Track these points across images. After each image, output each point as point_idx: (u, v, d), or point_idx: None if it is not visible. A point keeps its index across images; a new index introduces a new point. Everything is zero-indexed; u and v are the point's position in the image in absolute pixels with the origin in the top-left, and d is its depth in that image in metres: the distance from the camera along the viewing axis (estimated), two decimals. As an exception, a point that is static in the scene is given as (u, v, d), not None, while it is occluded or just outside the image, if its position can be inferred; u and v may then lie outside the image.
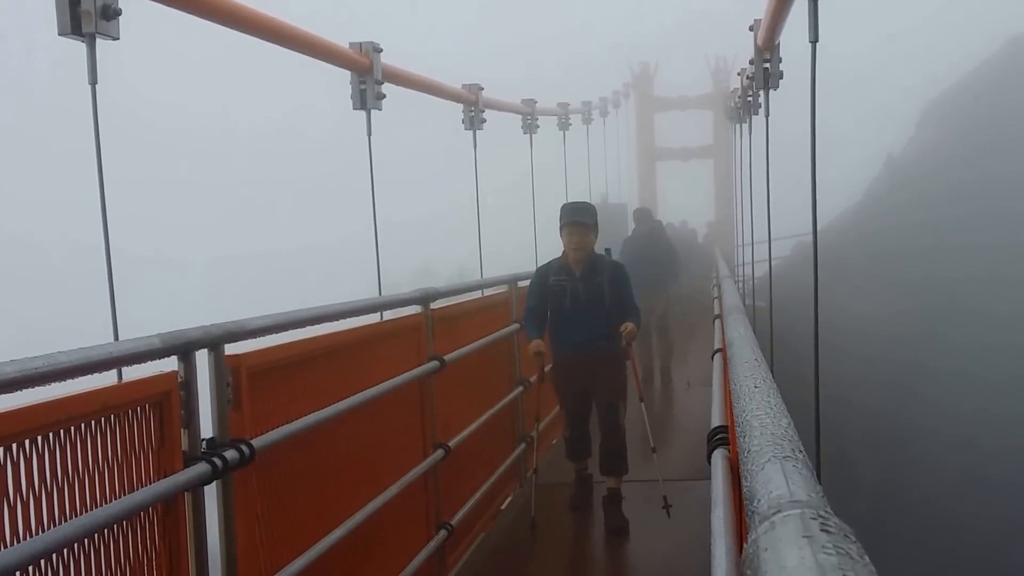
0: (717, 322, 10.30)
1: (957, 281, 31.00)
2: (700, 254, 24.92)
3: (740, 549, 2.96)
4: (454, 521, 7.31)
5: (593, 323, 8.42)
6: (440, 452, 7.08)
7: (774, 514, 1.42)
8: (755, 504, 1.63)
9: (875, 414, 26.40)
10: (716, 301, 11.88)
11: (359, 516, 5.43)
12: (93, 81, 5.44)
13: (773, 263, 12.85)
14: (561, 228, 8.50)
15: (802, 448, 2.06)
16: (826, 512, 1.36)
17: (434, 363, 6.96)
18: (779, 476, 1.71)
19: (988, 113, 37.13)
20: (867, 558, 1.17)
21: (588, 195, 26.54)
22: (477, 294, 9.49)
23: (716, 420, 5.30)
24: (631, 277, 13.67)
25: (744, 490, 1.89)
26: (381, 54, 8.73)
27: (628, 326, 8.26)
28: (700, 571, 6.81)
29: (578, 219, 8.42)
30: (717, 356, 8.40)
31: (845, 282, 29.82)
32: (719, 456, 4.19)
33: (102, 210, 5.60)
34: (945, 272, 31.60)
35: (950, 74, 44.44)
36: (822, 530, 1.26)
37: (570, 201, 8.89)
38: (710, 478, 3.90)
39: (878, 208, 38.95)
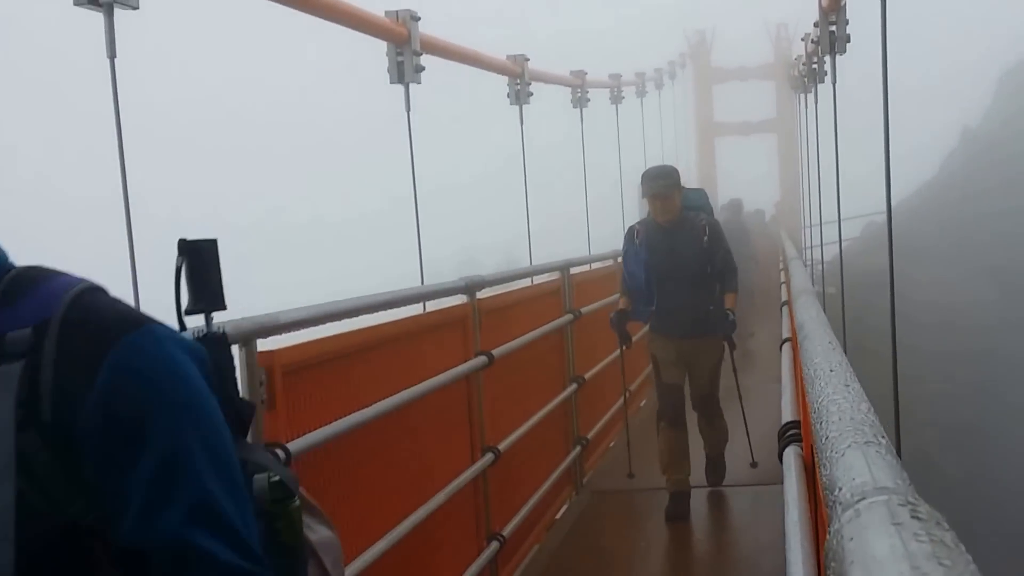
0: (784, 309, 10.20)
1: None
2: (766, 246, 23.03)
3: (818, 553, 2.93)
4: (506, 532, 7.20)
5: None
6: (490, 456, 6.99)
7: (858, 502, 1.40)
8: (836, 493, 1.61)
9: (954, 410, 26.10)
10: (783, 286, 11.77)
11: (405, 525, 5.38)
12: (112, 55, 5.40)
13: (842, 245, 12.74)
14: None
15: (884, 434, 2.03)
16: (915, 499, 1.34)
17: (482, 359, 6.89)
18: (861, 463, 1.69)
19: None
20: (963, 547, 1.14)
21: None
22: (526, 282, 9.41)
23: (787, 415, 5.26)
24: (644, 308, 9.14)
25: (823, 479, 1.86)
26: (419, 23, 8.62)
27: None
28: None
29: None
30: (786, 346, 8.33)
31: (920, 266, 29.50)
32: (791, 453, 4.17)
33: (125, 206, 5.60)
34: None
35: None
36: (913, 517, 1.24)
37: None
38: (782, 481, 3.88)
39: (955, 185, 38.59)
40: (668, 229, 8.90)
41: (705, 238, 8.91)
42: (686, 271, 8.87)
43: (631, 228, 9.27)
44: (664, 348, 9.11)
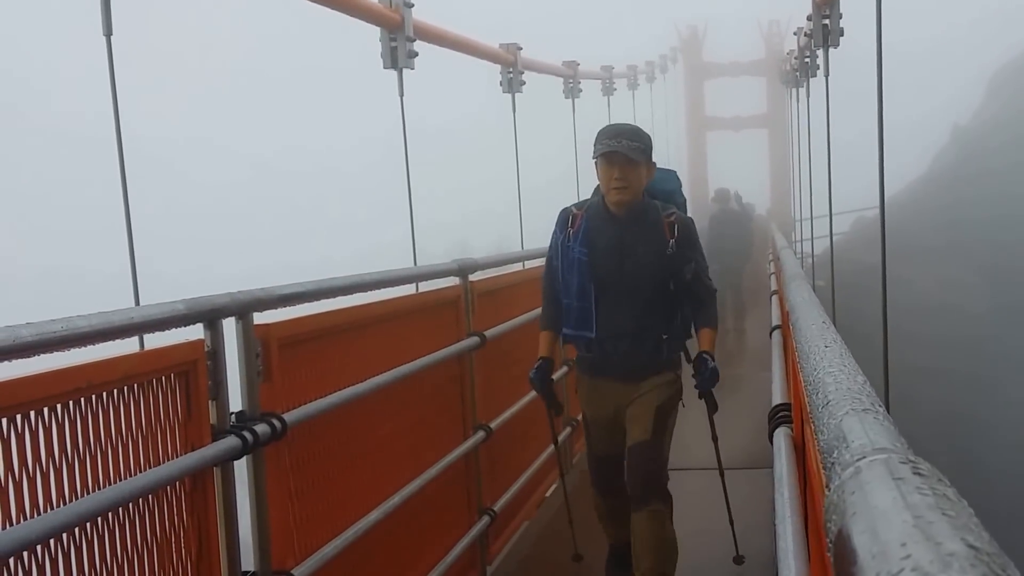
0: (774, 298, 10.22)
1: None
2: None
3: (806, 528, 2.94)
4: (497, 507, 7.31)
5: None
6: (481, 434, 7.07)
7: (858, 460, 1.38)
8: (834, 455, 1.60)
9: (946, 402, 26.09)
10: (773, 277, 11.80)
11: (397, 498, 5.44)
12: (108, 32, 5.39)
13: (833, 239, 12.74)
14: None
15: (881, 403, 2.02)
16: (915, 458, 1.33)
17: (474, 339, 6.95)
18: (859, 427, 1.68)
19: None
20: (966, 502, 1.13)
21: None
22: (518, 267, 9.41)
23: (777, 398, 5.29)
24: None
25: (820, 444, 1.86)
26: (412, 9, 8.63)
27: None
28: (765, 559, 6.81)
29: None
30: (776, 333, 8.35)
31: (911, 260, 29.49)
32: (781, 435, 4.19)
33: (121, 173, 5.60)
34: (1020, 251, 31.21)
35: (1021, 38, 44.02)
36: (914, 473, 1.22)
37: None
38: (771, 465, 3.89)
39: (946, 181, 38.59)
40: (620, 219, 6.00)
41: (672, 240, 5.98)
42: (637, 282, 5.98)
43: (566, 211, 6.22)
44: (596, 401, 6.31)
